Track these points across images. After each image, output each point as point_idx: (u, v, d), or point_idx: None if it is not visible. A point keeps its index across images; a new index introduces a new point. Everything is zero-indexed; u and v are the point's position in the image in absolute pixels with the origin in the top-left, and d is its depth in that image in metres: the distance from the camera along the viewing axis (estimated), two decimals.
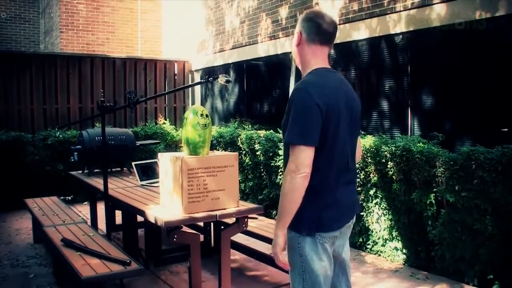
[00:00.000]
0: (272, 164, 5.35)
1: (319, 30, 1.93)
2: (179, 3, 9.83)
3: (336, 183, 1.92)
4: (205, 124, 2.96)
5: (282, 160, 5.14)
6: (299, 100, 1.82)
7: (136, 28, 11.51)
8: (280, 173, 5.25)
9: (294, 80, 2.52)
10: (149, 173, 4.21)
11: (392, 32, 4.83)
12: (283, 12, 6.53)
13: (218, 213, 2.92)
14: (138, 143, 5.28)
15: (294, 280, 1.96)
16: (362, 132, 4.70)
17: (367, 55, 5.24)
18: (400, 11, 4.72)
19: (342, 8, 5.47)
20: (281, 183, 1.84)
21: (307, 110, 1.79)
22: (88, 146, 4.57)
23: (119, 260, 2.89)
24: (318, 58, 1.97)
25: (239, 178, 5.78)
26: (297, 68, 2.37)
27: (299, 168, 1.78)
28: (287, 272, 3.74)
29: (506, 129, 3.85)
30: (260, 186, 5.72)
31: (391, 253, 4.24)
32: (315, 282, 1.91)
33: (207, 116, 3.01)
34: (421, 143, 3.93)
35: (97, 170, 4.78)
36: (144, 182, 4.09)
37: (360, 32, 5.19)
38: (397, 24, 4.78)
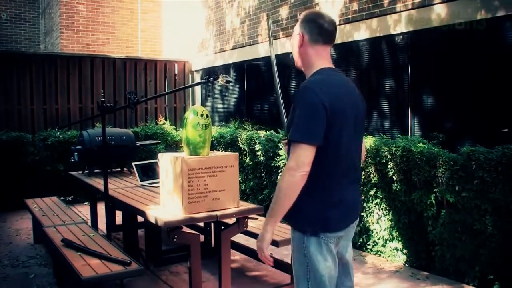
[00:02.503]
0: (272, 164, 5.35)
1: (321, 30, 1.94)
2: (179, 3, 9.83)
3: (342, 183, 1.91)
4: (206, 125, 2.96)
5: (283, 161, 5.14)
6: (305, 98, 1.82)
7: (136, 28, 11.50)
8: (281, 173, 5.25)
9: (278, 78, 2.50)
10: (149, 173, 4.21)
11: (393, 32, 4.83)
12: (284, 12, 6.53)
13: (218, 213, 2.92)
14: (138, 143, 5.27)
15: (299, 281, 1.96)
16: None
17: (367, 55, 5.24)
18: (401, 11, 4.72)
19: (342, 8, 5.48)
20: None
21: (312, 108, 1.79)
22: (89, 146, 4.57)
23: (119, 260, 2.89)
24: (323, 59, 1.97)
25: (240, 179, 5.78)
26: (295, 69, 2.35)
27: (299, 166, 1.78)
28: (287, 272, 3.76)
29: (506, 129, 3.85)
30: (260, 187, 5.72)
31: (391, 253, 4.24)
32: (320, 283, 1.90)
33: (207, 116, 3.01)
34: (421, 144, 3.93)
35: (97, 171, 4.78)
36: (144, 182, 4.09)
37: (360, 32, 5.19)
38: (397, 24, 4.78)
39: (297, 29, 1.99)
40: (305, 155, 1.78)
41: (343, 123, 1.86)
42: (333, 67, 2.00)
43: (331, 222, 1.89)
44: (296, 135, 1.80)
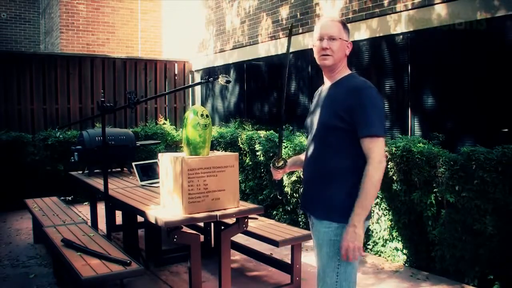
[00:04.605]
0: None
1: None
2: (179, 3, 9.83)
3: None
4: (206, 124, 2.96)
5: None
6: (373, 97, 1.96)
7: (136, 28, 11.51)
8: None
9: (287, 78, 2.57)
10: (149, 173, 4.21)
11: (393, 32, 4.83)
12: (284, 12, 6.53)
13: (218, 213, 2.92)
14: (138, 143, 5.27)
15: (325, 276, 2.00)
16: None
17: (367, 55, 5.24)
18: (401, 11, 4.72)
19: (342, 8, 5.48)
20: (368, 174, 1.89)
21: (381, 106, 1.98)
22: (89, 146, 4.57)
23: (119, 260, 2.89)
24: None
25: (240, 179, 5.78)
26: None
27: (383, 159, 1.92)
28: (287, 272, 3.75)
29: (506, 129, 3.85)
30: (260, 187, 5.72)
31: (391, 253, 4.24)
32: (350, 274, 1.97)
33: (207, 116, 3.01)
34: (421, 143, 3.93)
35: (97, 171, 4.78)
36: (144, 182, 4.09)
37: (361, 32, 5.19)
38: (397, 24, 4.78)
39: (345, 36, 2.09)
40: (383, 148, 1.94)
41: None
42: None
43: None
44: (378, 130, 1.92)
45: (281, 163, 2.42)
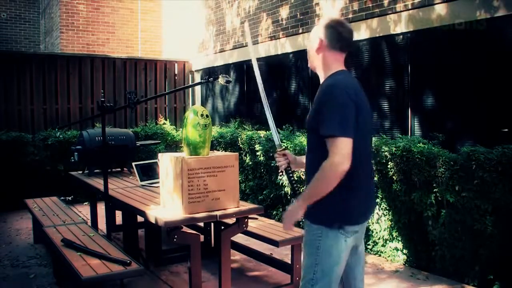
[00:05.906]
0: (272, 164, 5.35)
1: (339, 37, 2.06)
2: (179, 3, 9.83)
3: (363, 177, 2.01)
4: (206, 124, 2.96)
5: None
6: (337, 95, 1.90)
7: (136, 28, 11.50)
8: (281, 173, 5.25)
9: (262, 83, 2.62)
10: (149, 173, 4.21)
11: (393, 32, 4.83)
12: (284, 12, 6.53)
13: (218, 213, 2.92)
14: (138, 143, 5.27)
15: (305, 274, 2.03)
16: None
17: (367, 55, 5.24)
18: (401, 11, 4.72)
19: (342, 9, 5.48)
20: (321, 170, 1.89)
21: (345, 105, 1.89)
22: (89, 146, 4.57)
23: (119, 260, 2.89)
24: (338, 62, 2.09)
25: (240, 179, 5.78)
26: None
27: (345, 159, 1.84)
28: (287, 272, 3.76)
29: (506, 129, 3.85)
30: (260, 187, 5.72)
31: (391, 253, 4.24)
32: (327, 273, 1.97)
33: (207, 116, 3.01)
34: (421, 143, 3.93)
35: (97, 171, 4.78)
36: (144, 182, 4.09)
37: (361, 32, 5.18)
38: (397, 24, 4.78)
39: (317, 33, 2.08)
40: (346, 148, 1.85)
41: (364, 121, 1.98)
42: (347, 70, 2.14)
43: (351, 215, 1.98)
44: (334, 129, 1.86)
45: (281, 147, 2.40)
